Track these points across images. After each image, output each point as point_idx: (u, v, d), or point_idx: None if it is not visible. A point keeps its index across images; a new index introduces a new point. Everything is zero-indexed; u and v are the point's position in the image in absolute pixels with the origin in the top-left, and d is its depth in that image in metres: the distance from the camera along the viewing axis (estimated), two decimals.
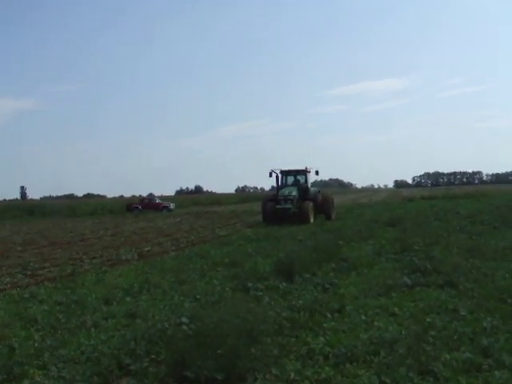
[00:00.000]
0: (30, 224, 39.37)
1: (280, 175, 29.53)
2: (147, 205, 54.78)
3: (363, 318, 7.55)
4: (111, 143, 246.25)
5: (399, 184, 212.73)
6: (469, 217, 24.63)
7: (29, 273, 13.83)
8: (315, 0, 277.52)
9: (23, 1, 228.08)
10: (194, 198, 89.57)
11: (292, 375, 5.45)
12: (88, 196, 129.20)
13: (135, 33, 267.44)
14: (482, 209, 30.32)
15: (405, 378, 5.08)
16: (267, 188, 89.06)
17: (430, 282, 9.68)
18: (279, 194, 28.10)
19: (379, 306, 8.17)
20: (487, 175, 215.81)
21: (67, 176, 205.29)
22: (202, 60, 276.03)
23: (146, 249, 18.44)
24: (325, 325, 7.26)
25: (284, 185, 29.61)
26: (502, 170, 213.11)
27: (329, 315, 7.77)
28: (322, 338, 6.65)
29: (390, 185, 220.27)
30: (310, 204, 27.54)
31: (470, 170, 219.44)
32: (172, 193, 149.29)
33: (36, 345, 6.97)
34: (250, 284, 10.17)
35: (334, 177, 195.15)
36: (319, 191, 30.34)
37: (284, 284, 10.23)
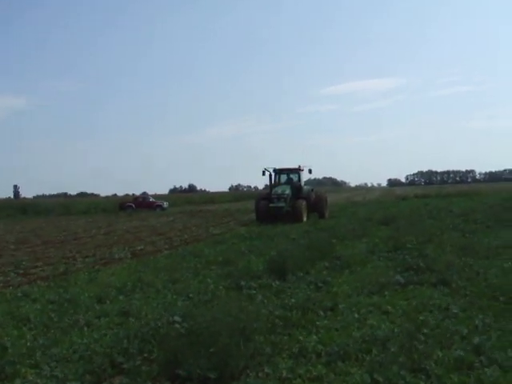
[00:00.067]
0: (23, 223, 39.22)
1: (273, 174, 29.52)
2: (141, 203, 54.72)
3: (356, 316, 7.56)
4: (106, 142, 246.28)
5: (393, 182, 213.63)
6: (462, 215, 24.74)
7: (21, 272, 13.77)
8: (307, 1, 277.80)
9: (24, 0, 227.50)
10: (187, 197, 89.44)
11: (284, 373, 5.44)
12: (81, 195, 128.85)
13: (135, 32, 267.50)
14: (475, 207, 30.44)
15: (397, 376, 5.09)
16: (261, 187, 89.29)
17: (423, 280, 9.70)
18: (272, 192, 28.10)
19: (372, 304, 8.19)
20: (480, 174, 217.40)
21: (60, 174, 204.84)
22: (201, 60, 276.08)
23: (139, 247, 18.40)
24: (317, 323, 7.26)
25: (277, 183, 29.61)
26: (495, 168, 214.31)
27: (322, 313, 7.78)
28: (314, 336, 6.66)
29: (384, 183, 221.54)
30: (303, 202, 27.56)
31: (464, 169, 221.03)
32: (165, 191, 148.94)
33: (28, 344, 6.93)
34: (243, 282, 10.17)
35: (328, 175, 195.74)
36: (312, 190, 30.37)
37: (277, 282, 10.24)
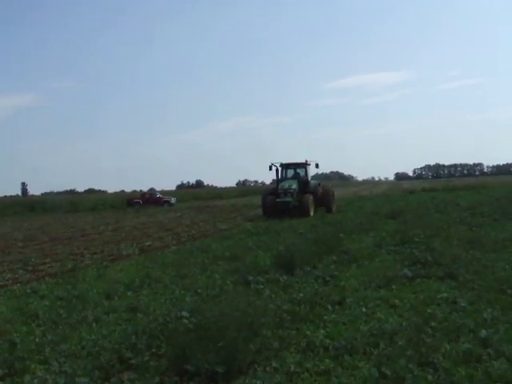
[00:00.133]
0: (31, 220, 39.39)
1: (280, 168, 29.48)
2: (148, 199, 54.77)
3: (364, 310, 7.56)
4: (112, 139, 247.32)
5: (400, 176, 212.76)
6: (469, 209, 24.62)
7: (30, 268, 13.85)
8: None
9: (24, 0, 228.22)
10: (194, 193, 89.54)
11: (292, 367, 5.46)
12: (89, 191, 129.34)
13: (135, 32, 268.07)
14: (483, 200, 30.29)
15: (405, 370, 5.08)
16: (268, 181, 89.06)
17: (431, 274, 9.69)
18: (279, 187, 28.05)
19: (380, 298, 8.19)
20: (488, 167, 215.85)
21: (68, 172, 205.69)
22: (202, 57, 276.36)
23: (147, 243, 18.45)
24: (325, 317, 7.27)
25: (284, 178, 29.54)
26: (502, 161, 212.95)
27: (329, 307, 7.79)
28: (322, 331, 6.67)
29: (391, 177, 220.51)
30: (310, 197, 27.51)
31: (471, 162, 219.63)
32: (173, 187, 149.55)
33: (37, 340, 6.99)
34: (250, 277, 10.18)
35: (335, 170, 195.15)
36: (319, 184, 30.29)
37: (284, 277, 10.25)
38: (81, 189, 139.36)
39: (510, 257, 10.80)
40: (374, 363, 5.42)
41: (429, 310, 7.23)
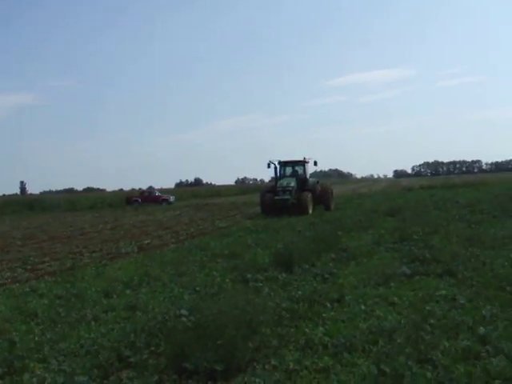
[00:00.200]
0: (30, 219, 39.36)
1: (278, 166, 29.47)
2: (147, 198, 54.79)
3: (362, 307, 7.57)
4: (111, 138, 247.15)
5: (399, 174, 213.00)
6: (468, 206, 24.63)
7: (29, 267, 13.84)
8: None
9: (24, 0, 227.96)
10: (193, 191, 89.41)
11: (291, 365, 5.46)
12: (88, 190, 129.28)
13: (135, 32, 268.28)
14: (482, 198, 30.30)
15: (404, 367, 5.09)
16: (267, 179, 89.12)
17: (429, 271, 9.69)
18: (277, 184, 28.04)
19: (378, 296, 8.20)
20: (487, 164, 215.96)
21: (67, 170, 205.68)
22: (201, 56, 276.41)
23: (146, 242, 18.44)
24: (324, 315, 7.27)
25: (282, 176, 29.51)
26: (501, 158, 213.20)
27: (328, 305, 7.79)
28: (321, 328, 6.67)
29: (390, 175, 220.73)
30: (309, 195, 27.51)
31: (470, 159, 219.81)
32: (172, 185, 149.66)
33: (36, 338, 6.99)
34: (249, 275, 10.18)
35: (334, 167, 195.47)
36: (318, 182, 30.31)
37: (283, 275, 10.25)
38: (79, 187, 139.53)
39: (509, 254, 10.80)
40: (372, 360, 5.43)
41: (427, 308, 7.23)
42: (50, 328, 7.58)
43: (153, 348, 6.16)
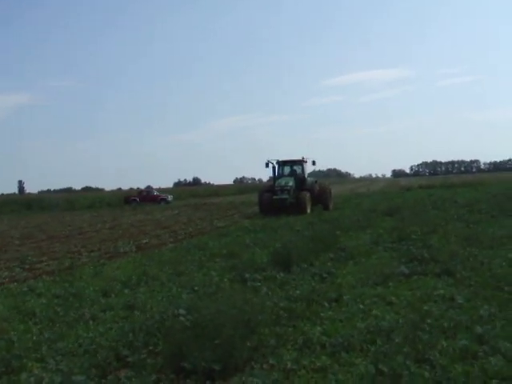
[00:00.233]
0: (28, 218, 39.33)
1: (276, 166, 29.47)
2: (145, 197, 54.75)
3: (360, 307, 7.57)
4: (111, 138, 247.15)
5: (397, 173, 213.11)
6: (466, 205, 24.66)
7: (27, 267, 13.83)
8: None
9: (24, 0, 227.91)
10: (192, 190, 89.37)
11: (289, 364, 5.46)
12: (86, 189, 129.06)
13: (135, 32, 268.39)
14: (480, 197, 30.33)
15: (401, 367, 5.08)
16: (265, 179, 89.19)
17: (427, 271, 9.70)
18: (276, 184, 28.01)
19: (376, 295, 8.20)
20: (485, 164, 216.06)
21: (66, 170, 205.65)
22: (201, 56, 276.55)
23: (144, 241, 18.43)
24: (322, 314, 7.28)
25: (281, 175, 29.47)
26: (499, 158, 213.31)
27: (326, 305, 7.79)
28: (319, 328, 6.68)
29: (388, 174, 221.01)
30: (307, 194, 27.49)
31: (468, 159, 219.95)
32: (170, 185, 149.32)
33: (34, 338, 6.98)
34: (247, 275, 10.18)
35: (332, 167, 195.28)
36: (316, 181, 30.31)
37: (281, 274, 10.25)
38: (78, 187, 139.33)
39: (507, 253, 10.81)
40: (370, 360, 5.42)
41: (425, 307, 7.23)
42: (48, 327, 7.57)
43: (151, 347, 6.15)
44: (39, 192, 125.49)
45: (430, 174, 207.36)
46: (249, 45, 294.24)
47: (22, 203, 55.65)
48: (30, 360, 6.10)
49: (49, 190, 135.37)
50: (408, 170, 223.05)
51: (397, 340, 5.87)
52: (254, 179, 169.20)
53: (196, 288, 9.49)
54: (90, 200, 58.99)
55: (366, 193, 53.40)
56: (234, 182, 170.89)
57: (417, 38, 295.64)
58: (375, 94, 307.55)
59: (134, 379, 5.33)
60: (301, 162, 29.71)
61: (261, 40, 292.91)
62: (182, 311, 7.17)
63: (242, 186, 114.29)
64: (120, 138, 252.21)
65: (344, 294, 8.36)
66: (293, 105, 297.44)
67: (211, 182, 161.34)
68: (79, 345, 6.60)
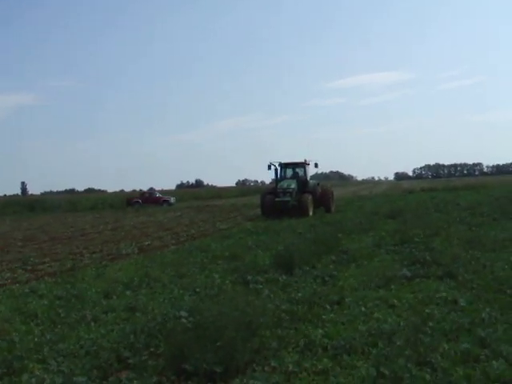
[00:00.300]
0: (31, 219, 39.38)
1: (279, 168, 29.44)
2: (148, 199, 54.81)
3: (362, 309, 7.56)
4: (112, 138, 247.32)
5: (400, 176, 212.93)
6: (469, 208, 24.62)
7: (29, 268, 13.85)
8: None
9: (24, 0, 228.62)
10: (194, 192, 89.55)
11: (290, 367, 5.45)
12: (89, 191, 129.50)
13: (135, 32, 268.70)
14: (482, 200, 30.30)
15: (403, 369, 5.07)
16: (268, 181, 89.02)
17: (430, 274, 9.69)
18: (278, 186, 27.98)
19: (378, 298, 8.18)
20: (488, 167, 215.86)
21: (68, 171, 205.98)
22: (201, 57, 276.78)
23: (146, 243, 18.45)
24: (324, 317, 7.26)
25: (283, 177, 29.47)
26: (502, 161, 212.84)
27: (328, 307, 7.79)
28: (320, 330, 6.67)
29: (391, 177, 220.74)
30: (309, 197, 27.48)
31: (471, 162, 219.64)
32: (172, 187, 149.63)
33: (36, 339, 6.99)
34: (249, 277, 10.18)
35: (335, 169, 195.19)
36: (318, 184, 30.25)
37: (283, 277, 10.24)
38: (80, 188, 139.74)
39: (510, 256, 10.79)
40: (372, 363, 5.41)
41: (427, 310, 7.22)
42: (50, 329, 7.58)
43: (152, 349, 6.15)
44: (42, 193, 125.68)
45: (432, 176, 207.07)
46: (249, 45, 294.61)
47: (25, 204, 55.72)
48: (32, 361, 6.10)
49: (52, 192, 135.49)
50: (411, 173, 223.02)
51: (398, 343, 5.86)
52: (257, 181, 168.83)
53: (198, 290, 9.50)
54: (92, 201, 59.14)
55: (369, 195, 53.41)
56: (237, 184, 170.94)
57: (417, 39, 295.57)
58: (376, 96, 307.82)
59: (135, 381, 5.33)
60: (303, 165, 29.72)
61: (261, 40, 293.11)
62: (183, 313, 7.19)
63: (244, 188, 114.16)
64: (120, 138, 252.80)
65: (346, 296, 8.34)
66: (294, 105, 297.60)
67: (214, 184, 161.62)
68: (81, 346, 6.60)
